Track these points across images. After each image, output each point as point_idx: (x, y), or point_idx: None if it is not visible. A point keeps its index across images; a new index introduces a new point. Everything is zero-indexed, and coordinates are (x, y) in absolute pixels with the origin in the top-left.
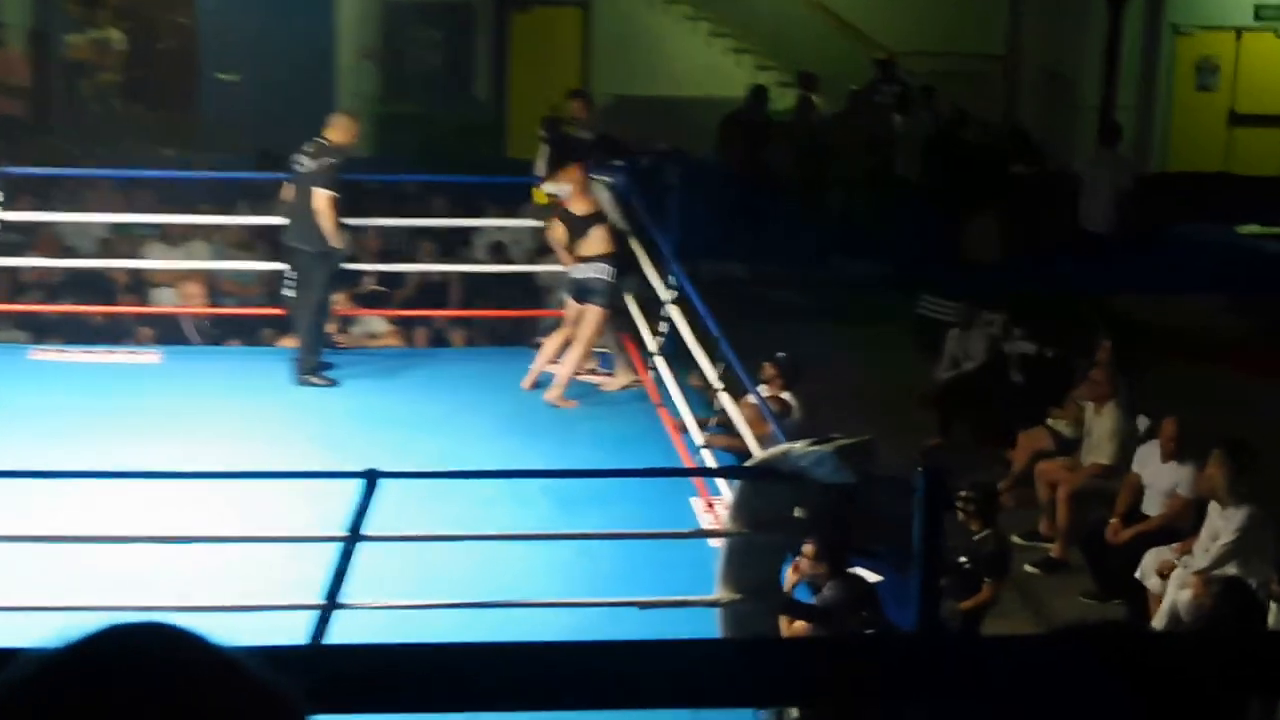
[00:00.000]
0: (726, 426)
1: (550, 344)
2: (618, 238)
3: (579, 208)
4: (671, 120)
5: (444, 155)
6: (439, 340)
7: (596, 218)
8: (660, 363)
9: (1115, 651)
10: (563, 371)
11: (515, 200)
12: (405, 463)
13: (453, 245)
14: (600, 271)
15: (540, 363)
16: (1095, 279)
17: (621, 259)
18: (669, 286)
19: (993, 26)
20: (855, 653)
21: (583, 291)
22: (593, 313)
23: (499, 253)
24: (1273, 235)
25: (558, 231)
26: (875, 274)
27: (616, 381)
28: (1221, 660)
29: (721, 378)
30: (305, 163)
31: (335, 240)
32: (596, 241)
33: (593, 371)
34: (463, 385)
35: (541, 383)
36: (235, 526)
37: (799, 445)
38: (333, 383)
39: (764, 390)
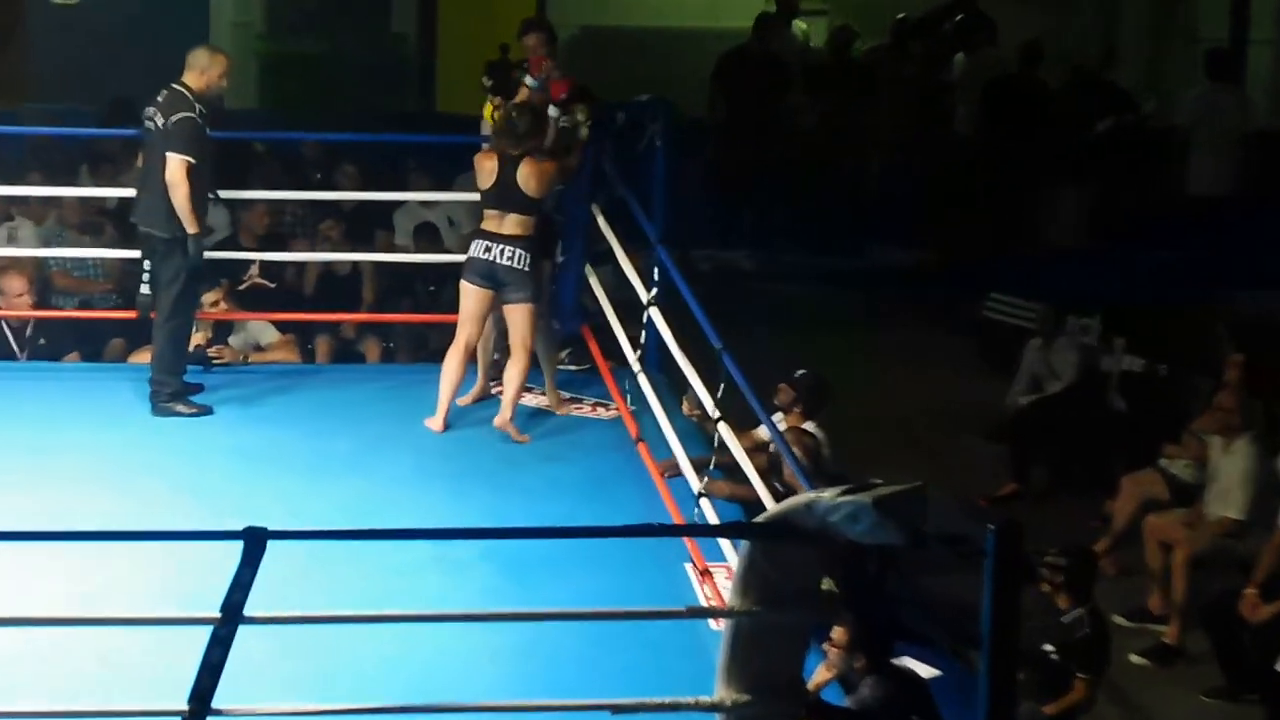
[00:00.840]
0: (729, 469)
1: (450, 364)
2: (547, 223)
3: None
4: (656, 61)
5: (353, 108)
6: (347, 353)
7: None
8: (642, 382)
9: None
10: (509, 391)
11: (449, 167)
12: (301, 518)
13: (366, 226)
14: (519, 261)
15: (446, 394)
16: (1216, 269)
17: (545, 246)
18: (651, 282)
19: None
20: None
21: (499, 283)
22: (522, 311)
23: (427, 237)
24: None
25: (485, 166)
26: (924, 265)
27: (556, 400)
28: None
29: (722, 403)
30: (156, 118)
31: (190, 223)
32: (523, 221)
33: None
34: (378, 413)
35: (452, 422)
36: (73, 604)
37: (827, 494)
38: (204, 410)
39: (779, 420)
